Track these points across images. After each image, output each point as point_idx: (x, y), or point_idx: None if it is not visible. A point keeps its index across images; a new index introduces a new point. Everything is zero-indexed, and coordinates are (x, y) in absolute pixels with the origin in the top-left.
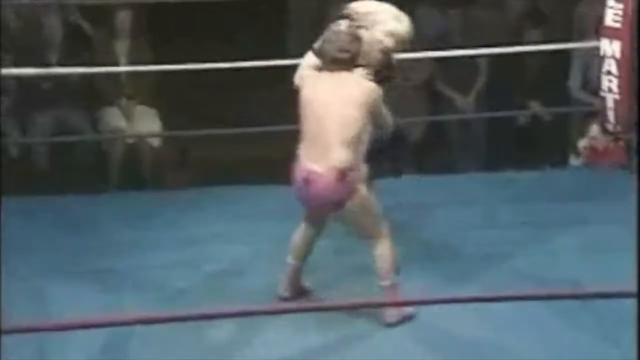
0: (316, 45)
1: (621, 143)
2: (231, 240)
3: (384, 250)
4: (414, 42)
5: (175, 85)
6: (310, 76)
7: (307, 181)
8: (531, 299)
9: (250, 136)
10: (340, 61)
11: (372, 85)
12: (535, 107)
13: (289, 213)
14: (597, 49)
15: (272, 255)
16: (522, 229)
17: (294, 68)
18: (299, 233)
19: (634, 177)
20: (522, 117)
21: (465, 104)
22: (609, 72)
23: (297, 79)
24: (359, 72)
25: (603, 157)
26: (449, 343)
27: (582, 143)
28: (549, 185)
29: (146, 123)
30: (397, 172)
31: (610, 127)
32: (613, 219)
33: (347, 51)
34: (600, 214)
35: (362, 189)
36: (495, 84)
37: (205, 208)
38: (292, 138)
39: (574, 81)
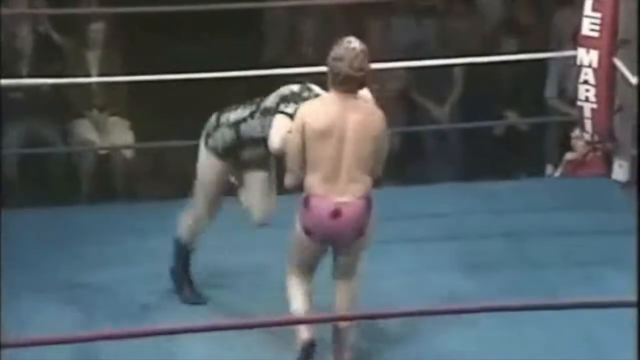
0: (287, 107)
1: (599, 153)
2: (206, 253)
3: (357, 292)
4: (389, 51)
5: (148, 96)
6: (310, 110)
7: (336, 213)
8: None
9: None
10: (355, 80)
11: (381, 114)
12: (512, 117)
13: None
14: (574, 58)
15: (247, 267)
16: (499, 240)
17: (270, 78)
18: (297, 293)
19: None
20: (498, 127)
21: (441, 114)
22: (585, 82)
23: (277, 142)
24: (365, 94)
25: (581, 168)
26: (430, 356)
27: (569, 156)
28: (526, 195)
29: (118, 134)
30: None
31: (587, 136)
32: (591, 229)
33: (362, 69)
34: (578, 225)
35: None
36: (471, 94)
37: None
38: None
39: (551, 91)
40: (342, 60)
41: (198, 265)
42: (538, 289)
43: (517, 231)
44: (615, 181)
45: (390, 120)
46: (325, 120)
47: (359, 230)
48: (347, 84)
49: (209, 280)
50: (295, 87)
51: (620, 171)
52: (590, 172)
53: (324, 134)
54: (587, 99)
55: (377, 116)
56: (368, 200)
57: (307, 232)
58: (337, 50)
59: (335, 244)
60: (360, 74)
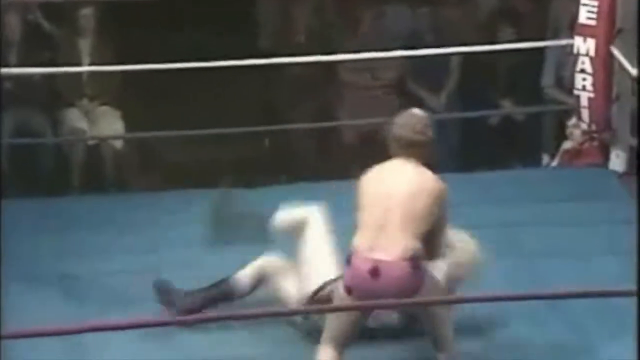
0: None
1: (596, 143)
2: (198, 244)
3: (442, 324)
4: (384, 41)
5: (138, 86)
6: (369, 174)
7: (375, 271)
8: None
9: (217, 137)
10: (416, 144)
11: (442, 183)
12: (508, 106)
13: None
14: (571, 46)
15: (238, 260)
16: (494, 230)
17: (262, 68)
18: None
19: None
20: (494, 116)
21: (437, 103)
22: (582, 70)
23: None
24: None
25: (578, 157)
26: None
27: (565, 146)
28: (522, 185)
29: (109, 124)
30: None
31: (584, 126)
32: (588, 219)
33: (424, 133)
34: (575, 215)
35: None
36: (468, 84)
37: (171, 212)
38: (258, 139)
39: (547, 80)
40: (404, 126)
41: None
42: (533, 279)
43: (513, 221)
44: (613, 171)
45: (386, 110)
46: (377, 183)
47: (405, 293)
48: (408, 148)
49: None
50: None
51: (618, 161)
52: (587, 162)
53: (374, 195)
54: (584, 88)
55: (432, 180)
56: (415, 261)
57: (348, 291)
58: (400, 117)
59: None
60: (422, 137)
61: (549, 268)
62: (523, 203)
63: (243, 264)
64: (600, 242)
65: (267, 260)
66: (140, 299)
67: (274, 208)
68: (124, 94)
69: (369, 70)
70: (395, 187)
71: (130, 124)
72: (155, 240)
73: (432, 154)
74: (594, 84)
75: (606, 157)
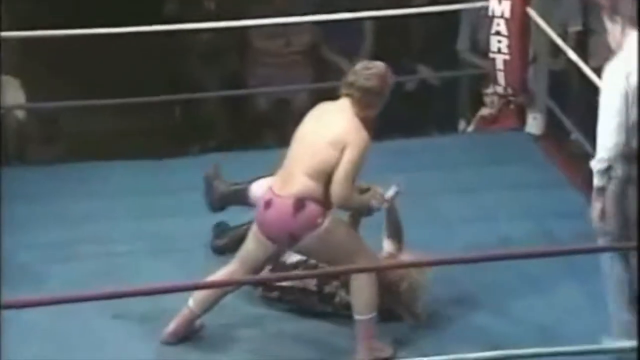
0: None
1: (512, 106)
2: (106, 218)
3: (361, 285)
4: (297, 6)
5: (39, 54)
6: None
7: (267, 204)
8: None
9: (124, 107)
10: (356, 87)
11: (360, 135)
12: (424, 71)
13: (164, 190)
14: (486, 9)
15: (148, 234)
16: (411, 198)
17: (171, 34)
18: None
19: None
20: (410, 82)
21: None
22: (498, 33)
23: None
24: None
25: (494, 123)
26: None
27: (482, 112)
28: (438, 152)
29: (9, 94)
30: (282, 143)
31: (500, 89)
32: (505, 184)
33: (369, 80)
34: (492, 180)
35: (329, 223)
36: (382, 49)
37: (76, 185)
38: (168, 109)
39: (463, 43)
40: (356, 69)
41: None
42: (449, 246)
43: (429, 189)
44: (529, 134)
45: (299, 77)
46: (302, 125)
47: (286, 230)
48: (349, 88)
49: None
50: None
51: (534, 123)
52: (504, 126)
53: (296, 136)
54: (499, 51)
55: (348, 129)
56: (300, 203)
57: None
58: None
59: (271, 241)
60: (364, 83)
61: (465, 234)
62: (440, 170)
63: (154, 239)
64: (517, 206)
65: None
66: (47, 274)
67: (186, 179)
68: (24, 63)
69: (282, 36)
70: (312, 130)
71: (32, 94)
72: (61, 214)
73: (371, 105)
74: (509, 46)
75: (523, 121)
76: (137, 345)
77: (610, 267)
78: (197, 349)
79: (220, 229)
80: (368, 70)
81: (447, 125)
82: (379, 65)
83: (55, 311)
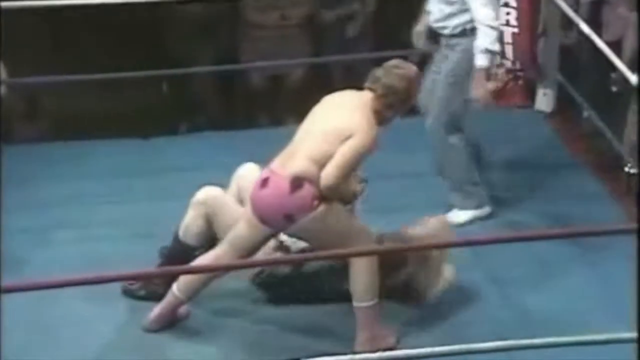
0: None
1: (521, 81)
2: (89, 201)
3: (359, 271)
4: None
5: (19, 29)
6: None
7: (264, 182)
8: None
9: (109, 84)
10: (380, 84)
11: (368, 134)
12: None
13: (151, 171)
14: None
15: (132, 219)
16: (411, 181)
17: (158, 5)
18: (212, 261)
19: None
20: (411, 55)
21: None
22: (506, 4)
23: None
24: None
25: (501, 98)
26: None
27: (488, 86)
28: None
29: None
30: (276, 121)
31: (508, 63)
32: (513, 165)
33: (396, 80)
34: (498, 161)
35: (325, 206)
36: (386, 14)
37: (57, 165)
38: (155, 85)
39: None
40: (387, 65)
41: None
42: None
43: (430, 171)
44: (539, 111)
45: (295, 53)
46: (313, 112)
47: (281, 210)
48: (373, 83)
49: None
50: None
51: (544, 100)
52: (511, 102)
53: (306, 121)
54: (507, 23)
55: (357, 126)
56: (298, 182)
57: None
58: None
59: (265, 223)
60: (389, 81)
61: None
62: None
63: (139, 223)
64: (525, 188)
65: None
66: (28, 259)
67: (173, 160)
68: (4, 38)
69: (276, 9)
70: (325, 117)
71: (12, 69)
72: (43, 196)
73: (393, 107)
74: (518, 18)
75: (532, 97)
76: (119, 333)
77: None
78: (180, 338)
79: None
80: (398, 69)
81: None
82: (411, 68)
83: (35, 297)
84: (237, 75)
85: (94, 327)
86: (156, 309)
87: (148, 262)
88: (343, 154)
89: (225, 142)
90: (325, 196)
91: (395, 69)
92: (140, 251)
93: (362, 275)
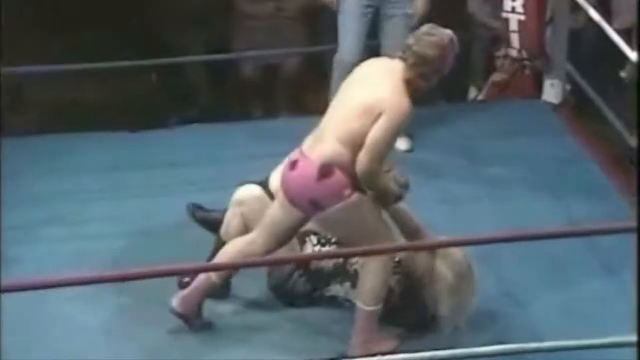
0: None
1: (528, 72)
2: (77, 197)
3: (371, 272)
4: None
5: (5, 17)
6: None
7: (293, 165)
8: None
9: (97, 74)
10: (412, 51)
11: (403, 103)
12: None
13: (140, 165)
14: None
15: (124, 214)
16: (417, 175)
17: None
18: (244, 244)
19: None
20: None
21: None
22: None
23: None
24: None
25: (508, 89)
26: None
27: (495, 77)
28: (447, 123)
29: None
30: (273, 113)
31: (514, 53)
32: (521, 158)
33: (428, 48)
34: (506, 154)
35: (357, 198)
36: None
37: (44, 159)
38: (144, 76)
39: (473, 3)
40: (420, 32)
41: None
42: (458, 226)
43: (436, 164)
44: (547, 103)
45: (289, 44)
46: (343, 87)
47: (307, 195)
48: (406, 52)
49: None
50: None
51: (553, 91)
52: (519, 94)
53: (336, 99)
54: (513, 10)
55: (388, 97)
56: (327, 168)
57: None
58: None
59: (295, 206)
60: (421, 50)
61: (479, 212)
62: (447, 143)
63: (128, 220)
64: (533, 182)
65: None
66: (17, 257)
67: (163, 154)
68: None
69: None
70: (353, 91)
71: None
72: (32, 192)
73: (425, 76)
74: (524, 5)
75: (540, 88)
76: (108, 332)
77: None
78: (176, 339)
79: (196, 206)
80: (430, 37)
81: (455, 93)
82: (445, 34)
83: (25, 297)
84: (229, 66)
85: (84, 325)
86: (187, 289)
87: (145, 259)
88: (374, 137)
89: (218, 135)
90: (363, 186)
91: (427, 37)
92: (133, 247)
93: (372, 278)
